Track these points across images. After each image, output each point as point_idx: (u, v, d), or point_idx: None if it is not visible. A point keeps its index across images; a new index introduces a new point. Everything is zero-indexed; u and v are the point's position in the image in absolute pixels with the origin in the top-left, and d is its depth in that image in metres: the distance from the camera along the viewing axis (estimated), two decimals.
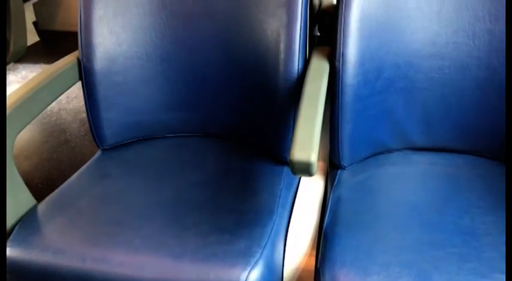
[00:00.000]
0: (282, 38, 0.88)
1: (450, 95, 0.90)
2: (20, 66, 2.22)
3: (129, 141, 1.03)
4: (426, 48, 0.88)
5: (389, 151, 0.97)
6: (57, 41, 2.53)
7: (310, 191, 0.94)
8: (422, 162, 0.94)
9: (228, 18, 0.93)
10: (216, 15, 0.94)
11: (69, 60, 0.94)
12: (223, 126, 1.02)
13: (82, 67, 0.95)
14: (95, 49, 0.94)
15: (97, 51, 0.94)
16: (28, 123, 0.84)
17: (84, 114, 1.45)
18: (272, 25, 0.89)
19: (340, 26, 0.84)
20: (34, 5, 2.44)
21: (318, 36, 1.18)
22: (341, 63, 0.85)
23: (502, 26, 0.84)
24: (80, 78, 0.97)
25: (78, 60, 0.96)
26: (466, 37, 0.87)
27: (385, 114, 0.92)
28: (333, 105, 0.88)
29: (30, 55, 2.28)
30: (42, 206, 0.84)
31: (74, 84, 0.96)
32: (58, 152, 1.63)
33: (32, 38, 2.46)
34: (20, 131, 0.82)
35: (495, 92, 0.87)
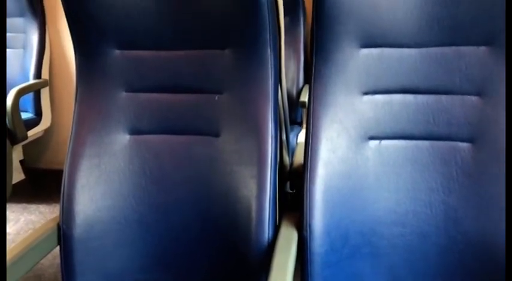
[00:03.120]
0: (253, 207, 0.94)
1: (415, 260, 0.94)
2: None
3: None
4: (388, 216, 0.94)
5: None
6: (43, 180, 2.59)
7: None
8: None
9: (204, 185, 1.00)
10: (193, 182, 1.01)
11: (48, 227, 0.98)
12: None
13: (61, 233, 0.98)
14: (75, 216, 0.99)
15: (77, 218, 0.98)
16: None
17: None
18: (244, 194, 0.95)
19: (306, 199, 0.90)
20: (23, 145, 2.55)
21: (290, 193, 1.25)
22: (308, 233, 0.90)
23: (455, 197, 0.92)
24: (59, 243, 0.99)
25: (58, 225, 0.99)
26: (423, 206, 0.93)
27: (354, 279, 0.94)
28: (302, 272, 0.91)
29: (14, 194, 2.32)
30: None
31: (52, 249, 0.98)
32: None
33: (18, 176, 2.52)
34: None
35: (456, 260, 0.91)
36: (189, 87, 1.00)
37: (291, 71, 2.18)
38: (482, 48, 0.90)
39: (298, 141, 1.90)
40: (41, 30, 2.37)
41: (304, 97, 1.98)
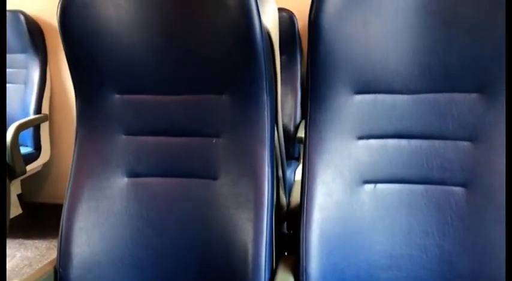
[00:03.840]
0: (250, 251, 0.94)
1: None
2: None
3: None
4: (384, 260, 0.95)
5: None
6: (41, 214, 2.59)
7: None
8: None
9: (201, 228, 1.01)
10: (190, 225, 1.01)
11: (45, 271, 0.98)
12: None
13: (58, 276, 0.99)
14: (72, 258, 0.99)
15: (74, 261, 0.99)
16: None
17: None
18: (241, 238, 0.96)
19: (302, 243, 0.91)
20: (21, 179, 2.55)
21: (287, 233, 1.25)
22: (304, 278, 0.90)
23: (449, 241, 0.93)
24: None
25: (55, 269, 0.99)
26: (418, 250, 0.94)
27: None
28: None
29: (11, 229, 2.31)
30: None
31: None
32: None
33: (15, 210, 2.52)
34: None
35: None
36: (187, 130, 1.02)
37: (288, 106, 2.21)
38: (474, 95, 0.92)
39: (296, 177, 1.92)
40: (42, 66, 2.42)
41: (301, 133, 2.00)
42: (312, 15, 0.91)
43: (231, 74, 0.98)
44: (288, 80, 2.21)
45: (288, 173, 1.96)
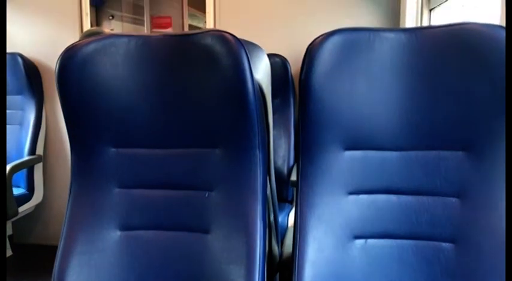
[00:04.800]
0: None
1: None
2: None
3: None
4: None
5: None
6: (32, 255, 2.55)
7: None
8: None
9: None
10: (181, 279, 1.01)
11: None
12: None
13: None
14: None
15: None
16: None
17: None
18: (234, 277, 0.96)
19: None
20: (12, 220, 2.54)
21: None
22: None
23: None
24: None
25: None
26: None
27: None
28: None
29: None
30: None
31: None
32: None
33: (6, 252, 2.49)
34: None
35: None
36: (180, 184, 1.04)
37: (282, 149, 2.23)
38: (460, 153, 0.95)
39: (289, 222, 1.92)
40: (38, 108, 2.45)
41: (295, 176, 2.02)
42: (303, 76, 0.94)
43: (224, 130, 1.00)
44: (281, 122, 2.25)
45: (281, 217, 1.96)
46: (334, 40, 0.94)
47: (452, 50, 0.92)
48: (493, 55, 0.89)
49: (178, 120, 1.01)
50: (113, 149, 1.05)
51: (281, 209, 2.04)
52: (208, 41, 0.96)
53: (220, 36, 0.95)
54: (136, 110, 1.02)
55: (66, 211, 1.05)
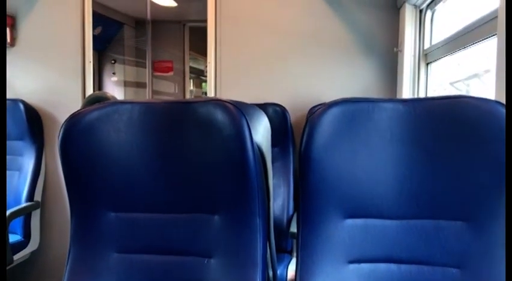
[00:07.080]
0: None
1: None
2: None
3: None
4: None
5: None
6: None
7: None
8: None
9: None
10: None
11: None
12: None
13: None
14: None
15: None
16: None
17: None
18: None
19: None
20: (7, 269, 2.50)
21: None
22: None
23: None
24: None
25: None
26: None
27: None
28: None
29: None
30: None
31: None
32: None
33: None
34: None
35: None
36: (179, 249, 1.03)
37: (281, 198, 2.23)
38: (460, 223, 0.95)
39: (288, 275, 1.90)
40: (37, 154, 2.45)
41: (294, 227, 2.00)
42: (303, 147, 0.95)
43: (223, 196, 1.00)
44: (280, 171, 2.25)
45: (280, 269, 1.94)
46: (334, 111, 0.96)
47: (449, 122, 0.94)
48: (491, 131, 0.90)
49: (178, 186, 1.02)
50: (113, 214, 1.05)
51: (280, 260, 2.02)
52: (210, 110, 0.97)
53: (222, 105, 0.97)
54: (137, 175, 1.02)
55: (64, 277, 1.04)
